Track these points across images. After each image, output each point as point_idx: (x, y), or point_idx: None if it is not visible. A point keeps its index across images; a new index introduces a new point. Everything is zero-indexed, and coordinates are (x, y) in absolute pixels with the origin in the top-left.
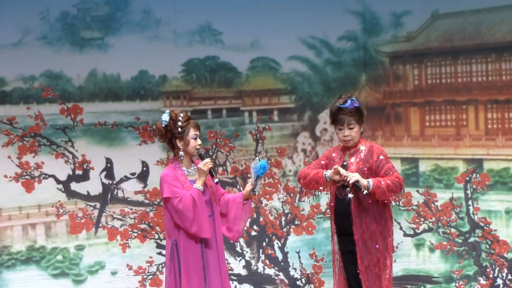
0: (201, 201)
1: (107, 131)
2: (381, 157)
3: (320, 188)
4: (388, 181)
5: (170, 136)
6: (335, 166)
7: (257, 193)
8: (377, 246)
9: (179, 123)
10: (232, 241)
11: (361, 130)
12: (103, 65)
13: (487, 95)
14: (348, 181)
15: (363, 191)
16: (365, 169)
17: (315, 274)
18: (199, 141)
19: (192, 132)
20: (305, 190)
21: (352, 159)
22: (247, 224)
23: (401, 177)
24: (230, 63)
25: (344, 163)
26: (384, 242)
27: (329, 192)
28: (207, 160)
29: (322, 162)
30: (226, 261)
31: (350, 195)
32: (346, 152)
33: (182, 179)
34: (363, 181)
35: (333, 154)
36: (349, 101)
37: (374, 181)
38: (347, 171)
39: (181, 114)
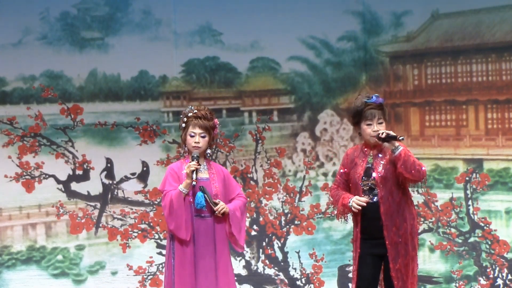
0: (180, 202)
1: (107, 131)
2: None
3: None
4: (416, 159)
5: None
6: (357, 200)
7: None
8: (407, 248)
9: (185, 119)
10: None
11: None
12: (103, 65)
13: (487, 95)
14: (381, 135)
15: (400, 137)
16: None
17: (315, 274)
18: (196, 139)
19: (190, 129)
20: (339, 215)
21: (377, 160)
22: (247, 224)
23: (425, 171)
24: (230, 63)
25: (369, 165)
26: (413, 243)
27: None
28: (191, 163)
29: (342, 170)
30: None
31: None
32: (368, 153)
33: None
34: (395, 134)
35: (354, 157)
36: (374, 96)
37: (405, 147)
38: (374, 174)
39: (194, 110)
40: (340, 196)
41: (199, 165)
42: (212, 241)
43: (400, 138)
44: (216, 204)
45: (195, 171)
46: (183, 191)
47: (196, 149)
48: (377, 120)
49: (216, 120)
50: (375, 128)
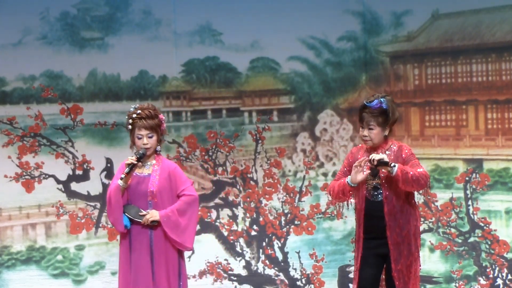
0: (117, 196)
1: (107, 131)
2: (409, 152)
3: (350, 197)
4: (414, 171)
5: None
6: (355, 164)
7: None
8: (410, 248)
9: (130, 121)
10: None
11: (384, 133)
12: (103, 65)
13: (487, 95)
14: (373, 160)
15: (391, 164)
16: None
17: (315, 274)
18: (144, 140)
19: (137, 132)
20: (335, 201)
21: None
22: (247, 224)
23: (428, 174)
24: (230, 63)
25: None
26: (416, 244)
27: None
28: (130, 157)
29: (345, 168)
30: (226, 261)
31: (392, 167)
32: (372, 152)
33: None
34: (387, 159)
35: (359, 156)
36: (375, 101)
37: (400, 166)
38: (378, 175)
39: (138, 111)
40: (337, 182)
41: (138, 161)
42: (148, 236)
43: (392, 165)
44: (142, 216)
45: (130, 166)
46: (121, 184)
47: (146, 150)
48: (367, 125)
49: (161, 116)
50: (365, 133)
